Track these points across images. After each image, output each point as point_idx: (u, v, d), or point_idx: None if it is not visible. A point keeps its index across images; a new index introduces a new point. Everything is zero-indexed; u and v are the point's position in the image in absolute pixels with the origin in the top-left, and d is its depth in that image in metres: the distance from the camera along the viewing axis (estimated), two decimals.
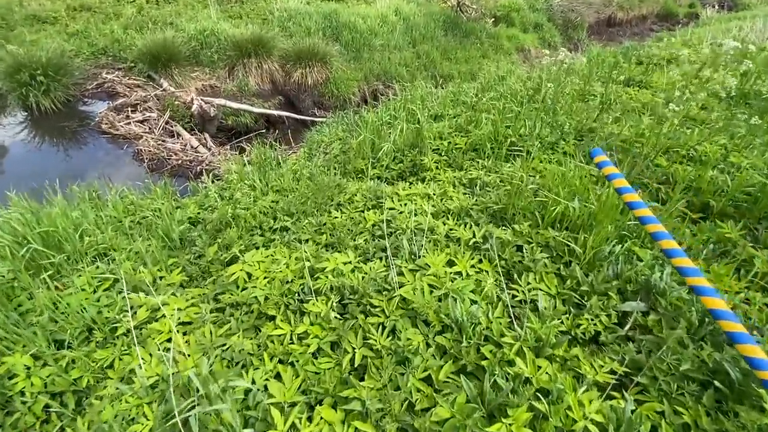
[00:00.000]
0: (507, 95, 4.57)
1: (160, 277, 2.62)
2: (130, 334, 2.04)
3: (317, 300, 2.02)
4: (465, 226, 2.47)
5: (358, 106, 9.40)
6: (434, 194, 3.03)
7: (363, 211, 2.98)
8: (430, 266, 2.09)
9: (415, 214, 2.81)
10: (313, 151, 5.63)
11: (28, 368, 1.92)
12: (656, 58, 7.30)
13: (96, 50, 8.62)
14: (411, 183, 3.69)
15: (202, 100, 7.26)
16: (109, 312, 2.18)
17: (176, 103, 7.45)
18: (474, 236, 2.30)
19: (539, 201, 2.44)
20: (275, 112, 8.27)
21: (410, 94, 5.21)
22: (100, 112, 6.88)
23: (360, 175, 3.99)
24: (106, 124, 6.60)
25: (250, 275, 2.34)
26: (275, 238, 2.81)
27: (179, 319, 2.17)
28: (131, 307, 2.28)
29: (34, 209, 2.46)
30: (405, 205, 2.93)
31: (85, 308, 2.18)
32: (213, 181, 3.93)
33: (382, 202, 2.99)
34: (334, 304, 1.98)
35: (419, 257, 2.18)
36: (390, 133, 4.42)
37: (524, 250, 2.16)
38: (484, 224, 2.44)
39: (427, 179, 3.63)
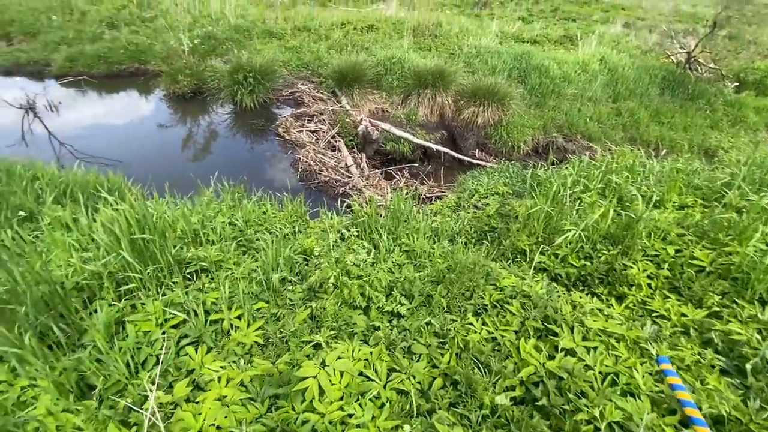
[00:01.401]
0: None
1: (236, 328, 2.08)
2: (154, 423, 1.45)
3: None
4: None
5: (526, 156, 8.20)
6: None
7: (518, 333, 1.90)
8: None
9: (615, 382, 1.59)
10: (462, 201, 4.74)
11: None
12: None
13: (301, 64, 9.73)
14: (599, 296, 2.42)
15: (369, 121, 7.24)
16: (149, 371, 1.67)
17: (347, 120, 7.65)
18: None
19: None
20: (434, 146, 7.76)
21: (615, 162, 3.83)
22: (283, 117, 7.51)
23: (519, 258, 2.89)
24: (283, 128, 7.12)
25: (323, 393, 1.54)
26: (379, 327, 1.99)
27: (215, 422, 1.50)
28: (178, 368, 1.75)
29: (142, 209, 2.24)
30: (595, 351, 1.73)
31: (135, 351, 1.73)
32: (341, 214, 3.42)
33: (553, 331, 1.85)
34: None
35: None
36: (576, 209, 3.19)
37: None
38: None
39: (629, 300, 2.30)
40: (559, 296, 2.24)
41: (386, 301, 2.19)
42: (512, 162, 6.35)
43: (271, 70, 8.12)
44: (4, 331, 1.59)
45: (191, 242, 2.67)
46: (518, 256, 2.91)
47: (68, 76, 8.33)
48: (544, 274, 2.66)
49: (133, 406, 1.47)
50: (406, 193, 3.41)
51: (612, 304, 2.27)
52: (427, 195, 6.28)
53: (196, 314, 2.01)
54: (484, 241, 3.10)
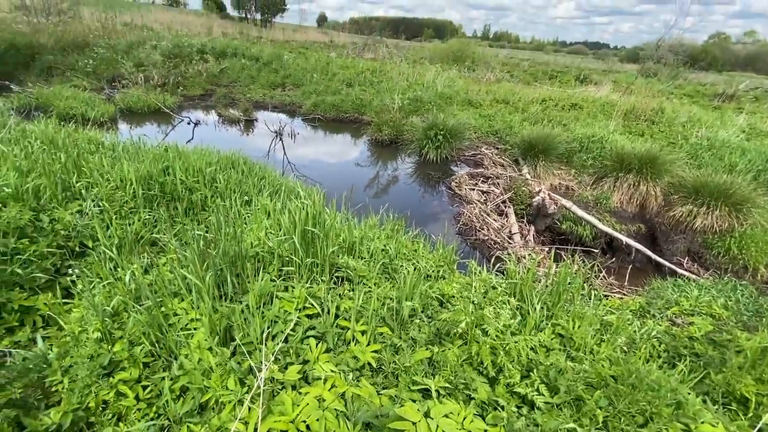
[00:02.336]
0: None
1: (357, 341, 2.06)
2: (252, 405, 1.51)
3: None
4: None
5: (764, 283, 6.01)
6: None
7: None
8: None
9: None
10: (652, 308, 3.72)
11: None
12: None
13: (490, 130, 10.04)
14: None
15: (548, 194, 6.73)
16: (275, 344, 1.78)
17: (523, 188, 7.32)
18: None
19: None
20: (625, 239, 6.53)
21: None
22: (459, 174, 7.76)
23: (733, 405, 1.98)
24: (456, 183, 7.33)
25: None
26: (503, 407, 1.62)
27: (307, 419, 1.46)
28: (297, 354, 1.81)
29: (320, 209, 2.56)
30: None
31: (272, 323, 1.90)
32: (491, 272, 3.13)
33: None
34: None
35: None
36: None
37: None
38: None
39: None
40: None
41: (520, 381, 1.80)
42: (742, 283, 4.71)
43: (460, 132, 8.63)
44: (198, 265, 2.01)
45: (346, 251, 2.89)
46: (732, 403, 2.01)
47: (309, 116, 10.91)
48: None
49: (254, 366, 1.57)
50: (576, 271, 2.88)
51: None
52: (603, 292, 5.23)
53: (328, 313, 2.09)
54: (678, 365, 2.28)
